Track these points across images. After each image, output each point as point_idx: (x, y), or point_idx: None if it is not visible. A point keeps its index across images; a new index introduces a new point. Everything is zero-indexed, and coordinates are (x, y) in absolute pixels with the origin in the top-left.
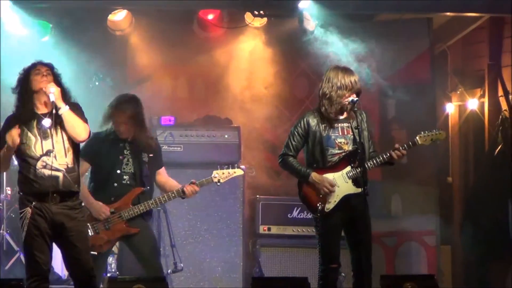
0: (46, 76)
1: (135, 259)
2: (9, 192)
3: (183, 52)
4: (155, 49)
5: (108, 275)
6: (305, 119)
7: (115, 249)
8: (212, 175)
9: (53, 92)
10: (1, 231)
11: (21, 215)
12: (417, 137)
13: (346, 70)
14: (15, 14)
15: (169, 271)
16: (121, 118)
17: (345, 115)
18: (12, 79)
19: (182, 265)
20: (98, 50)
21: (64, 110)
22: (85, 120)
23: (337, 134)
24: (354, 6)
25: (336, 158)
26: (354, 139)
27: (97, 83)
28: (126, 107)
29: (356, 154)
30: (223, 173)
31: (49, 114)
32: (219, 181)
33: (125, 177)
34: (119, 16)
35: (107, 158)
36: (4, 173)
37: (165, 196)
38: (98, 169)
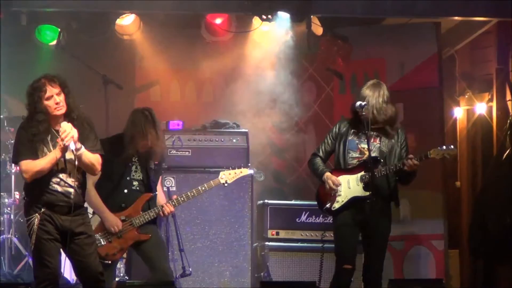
0: (59, 102)
1: (144, 263)
2: (17, 196)
3: (191, 56)
4: (163, 54)
5: (117, 279)
6: (337, 125)
7: None
8: (219, 176)
9: (73, 142)
10: (10, 235)
11: (29, 221)
12: (430, 151)
13: (370, 84)
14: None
15: (177, 275)
16: (150, 139)
17: (378, 125)
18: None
19: (190, 269)
20: (106, 54)
21: (80, 152)
22: (96, 138)
23: (362, 140)
24: (362, 10)
25: (355, 161)
26: (379, 148)
27: (105, 87)
28: (154, 128)
29: (375, 161)
30: (229, 174)
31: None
32: (226, 182)
33: (134, 183)
34: (127, 21)
35: (116, 165)
36: (13, 177)
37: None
38: (107, 176)
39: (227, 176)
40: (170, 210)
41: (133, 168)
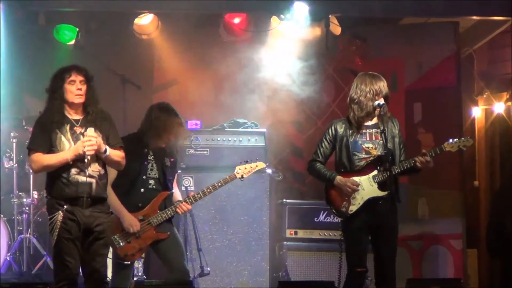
0: (81, 89)
1: (161, 263)
2: (35, 196)
3: (209, 56)
4: (181, 53)
5: (135, 279)
6: (333, 126)
7: None
8: (235, 171)
9: (95, 150)
10: (28, 235)
11: (51, 219)
12: (445, 144)
13: (374, 76)
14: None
15: (195, 275)
16: (179, 130)
17: (374, 120)
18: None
19: (208, 269)
20: (124, 54)
21: (107, 154)
22: (116, 131)
23: (365, 140)
24: (380, 9)
25: (363, 162)
26: (384, 144)
27: (123, 87)
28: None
29: (384, 159)
30: (245, 168)
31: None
32: (242, 176)
33: (150, 181)
34: (145, 20)
35: (132, 164)
36: (31, 176)
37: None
38: (123, 175)
39: (242, 170)
40: (187, 208)
41: (149, 166)
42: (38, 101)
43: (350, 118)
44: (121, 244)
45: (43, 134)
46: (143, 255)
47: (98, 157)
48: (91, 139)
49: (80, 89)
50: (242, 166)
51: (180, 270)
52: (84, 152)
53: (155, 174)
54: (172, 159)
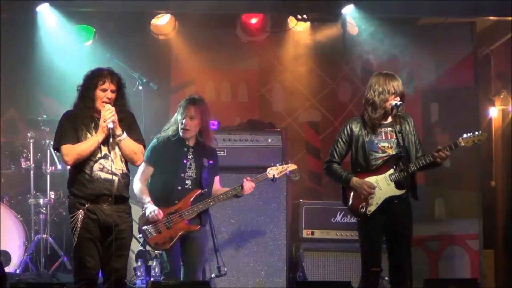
0: (111, 98)
1: (179, 263)
2: (52, 196)
3: (226, 56)
4: (198, 53)
5: (152, 279)
6: (348, 126)
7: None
8: (267, 172)
9: (112, 122)
10: (45, 235)
11: (72, 218)
12: (460, 139)
13: (388, 75)
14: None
15: (212, 275)
16: (193, 112)
17: (389, 119)
18: (55, 83)
19: (225, 269)
20: (141, 54)
21: (122, 138)
22: (138, 129)
23: (380, 139)
24: (398, 10)
25: (379, 161)
26: (398, 142)
27: (140, 88)
28: (200, 102)
29: (399, 157)
30: (277, 169)
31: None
32: (273, 176)
33: (187, 181)
34: (162, 21)
35: (172, 161)
36: (48, 177)
37: (223, 195)
38: (161, 171)
39: (274, 170)
40: (252, 185)
41: (188, 165)
42: (54, 102)
43: (365, 119)
44: (153, 234)
45: (71, 128)
46: (159, 256)
47: (122, 155)
48: (109, 109)
49: (109, 98)
50: (274, 167)
51: (192, 272)
52: (109, 129)
53: (192, 173)
54: (210, 161)
